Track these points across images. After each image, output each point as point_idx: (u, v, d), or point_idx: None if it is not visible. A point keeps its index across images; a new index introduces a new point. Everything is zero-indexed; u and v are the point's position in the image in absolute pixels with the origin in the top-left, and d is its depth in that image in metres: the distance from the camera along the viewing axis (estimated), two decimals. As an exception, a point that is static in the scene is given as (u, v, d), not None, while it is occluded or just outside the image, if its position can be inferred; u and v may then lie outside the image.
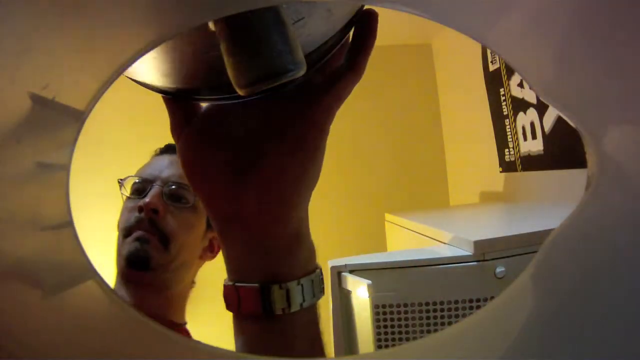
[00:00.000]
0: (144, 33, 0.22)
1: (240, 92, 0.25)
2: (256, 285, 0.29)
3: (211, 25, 0.24)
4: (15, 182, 0.21)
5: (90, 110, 0.24)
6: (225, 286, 0.31)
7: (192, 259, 0.74)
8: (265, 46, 0.24)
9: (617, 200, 0.21)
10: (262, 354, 0.29)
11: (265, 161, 0.30)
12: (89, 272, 0.26)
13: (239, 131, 0.31)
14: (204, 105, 0.33)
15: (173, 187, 0.71)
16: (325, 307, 0.85)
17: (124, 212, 0.72)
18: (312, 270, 0.32)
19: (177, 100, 0.32)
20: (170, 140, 0.33)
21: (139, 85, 0.32)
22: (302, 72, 0.25)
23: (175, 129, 0.32)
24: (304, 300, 0.30)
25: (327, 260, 0.84)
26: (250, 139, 0.31)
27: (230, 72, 0.25)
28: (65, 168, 0.25)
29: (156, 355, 0.25)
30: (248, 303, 0.30)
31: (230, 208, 0.30)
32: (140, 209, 0.69)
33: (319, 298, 0.32)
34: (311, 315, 0.31)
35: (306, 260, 0.31)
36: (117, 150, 1.89)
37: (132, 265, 0.67)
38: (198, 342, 0.26)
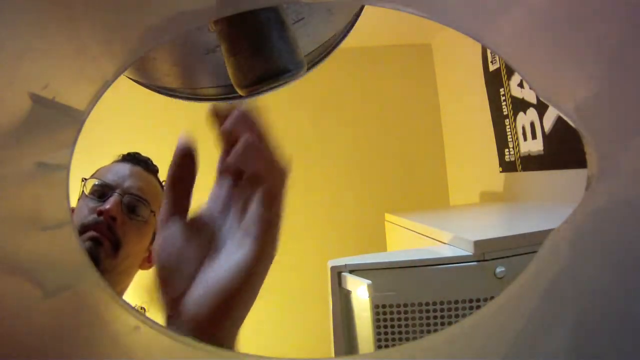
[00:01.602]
0: (143, 34, 0.22)
1: (241, 92, 0.25)
2: None
3: (212, 26, 0.24)
4: (15, 182, 0.21)
5: (90, 110, 0.24)
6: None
7: (134, 267, 0.79)
8: (265, 46, 0.24)
9: (617, 200, 0.21)
10: None
11: (215, 274, 0.31)
12: (89, 272, 0.26)
13: (210, 234, 0.32)
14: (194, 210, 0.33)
15: (131, 198, 0.76)
16: (326, 307, 0.85)
17: (83, 209, 0.75)
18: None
19: (178, 191, 0.32)
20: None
21: (140, 85, 0.32)
22: (302, 72, 0.25)
23: (166, 217, 0.32)
24: None
25: (327, 260, 0.84)
26: (211, 252, 0.32)
27: (230, 72, 0.25)
28: (65, 168, 0.25)
29: (156, 355, 0.25)
30: None
31: (179, 300, 0.31)
32: (100, 213, 0.72)
33: None
34: None
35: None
36: (118, 150, 1.89)
37: None
38: (198, 342, 0.26)
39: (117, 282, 0.76)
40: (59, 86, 0.21)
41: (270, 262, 0.32)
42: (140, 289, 0.83)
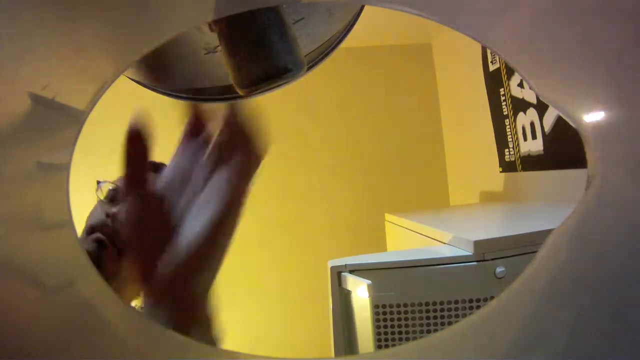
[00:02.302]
0: (144, 34, 0.22)
1: (241, 92, 0.25)
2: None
3: (211, 26, 0.24)
4: (15, 182, 0.21)
5: (90, 110, 0.24)
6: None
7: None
8: (266, 46, 0.24)
9: (617, 201, 0.21)
10: None
11: (184, 236, 0.32)
12: (89, 272, 0.26)
13: (170, 203, 0.34)
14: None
15: None
16: (326, 307, 0.85)
17: (96, 210, 0.77)
18: (209, 333, 0.34)
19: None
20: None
21: (140, 85, 0.32)
22: (302, 72, 0.25)
23: (125, 192, 0.33)
24: None
25: (327, 260, 0.84)
26: (177, 213, 0.33)
27: (230, 73, 0.25)
28: (65, 168, 0.25)
29: (156, 355, 0.25)
30: None
31: (152, 264, 0.32)
32: (108, 216, 0.73)
33: None
34: None
35: (205, 322, 0.34)
36: (117, 150, 1.88)
37: None
38: (199, 343, 0.26)
39: (121, 288, 0.76)
40: (59, 86, 0.21)
41: (233, 231, 0.33)
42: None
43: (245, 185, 0.33)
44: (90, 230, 0.73)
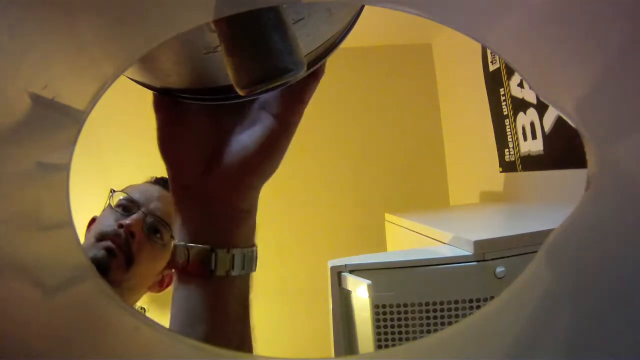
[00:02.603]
0: (144, 34, 0.22)
1: (241, 92, 0.25)
2: (207, 246, 0.32)
3: (212, 26, 0.24)
4: (15, 182, 0.21)
5: (90, 110, 0.24)
6: (175, 245, 0.34)
7: (142, 287, 0.81)
8: (266, 46, 0.24)
9: (617, 200, 0.21)
10: (199, 311, 0.32)
11: (234, 148, 0.32)
12: (89, 272, 0.26)
13: (214, 116, 0.33)
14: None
15: (154, 220, 0.78)
16: (326, 307, 0.85)
17: (107, 218, 0.78)
18: (252, 245, 0.35)
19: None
20: None
21: (140, 85, 0.32)
22: (302, 72, 0.25)
23: (159, 102, 0.33)
24: (243, 268, 0.33)
25: (327, 260, 0.84)
26: (223, 126, 0.33)
27: (230, 72, 0.25)
28: (65, 168, 0.25)
29: (156, 355, 0.25)
30: (196, 263, 0.33)
31: (196, 182, 0.33)
32: (121, 226, 0.75)
33: (253, 271, 0.35)
34: (246, 284, 0.35)
35: (249, 235, 0.35)
36: (118, 150, 1.89)
37: None
38: (199, 343, 0.26)
39: (122, 296, 0.77)
40: (59, 86, 0.21)
41: (284, 149, 0.33)
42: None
43: (302, 102, 0.32)
44: (100, 237, 0.73)
